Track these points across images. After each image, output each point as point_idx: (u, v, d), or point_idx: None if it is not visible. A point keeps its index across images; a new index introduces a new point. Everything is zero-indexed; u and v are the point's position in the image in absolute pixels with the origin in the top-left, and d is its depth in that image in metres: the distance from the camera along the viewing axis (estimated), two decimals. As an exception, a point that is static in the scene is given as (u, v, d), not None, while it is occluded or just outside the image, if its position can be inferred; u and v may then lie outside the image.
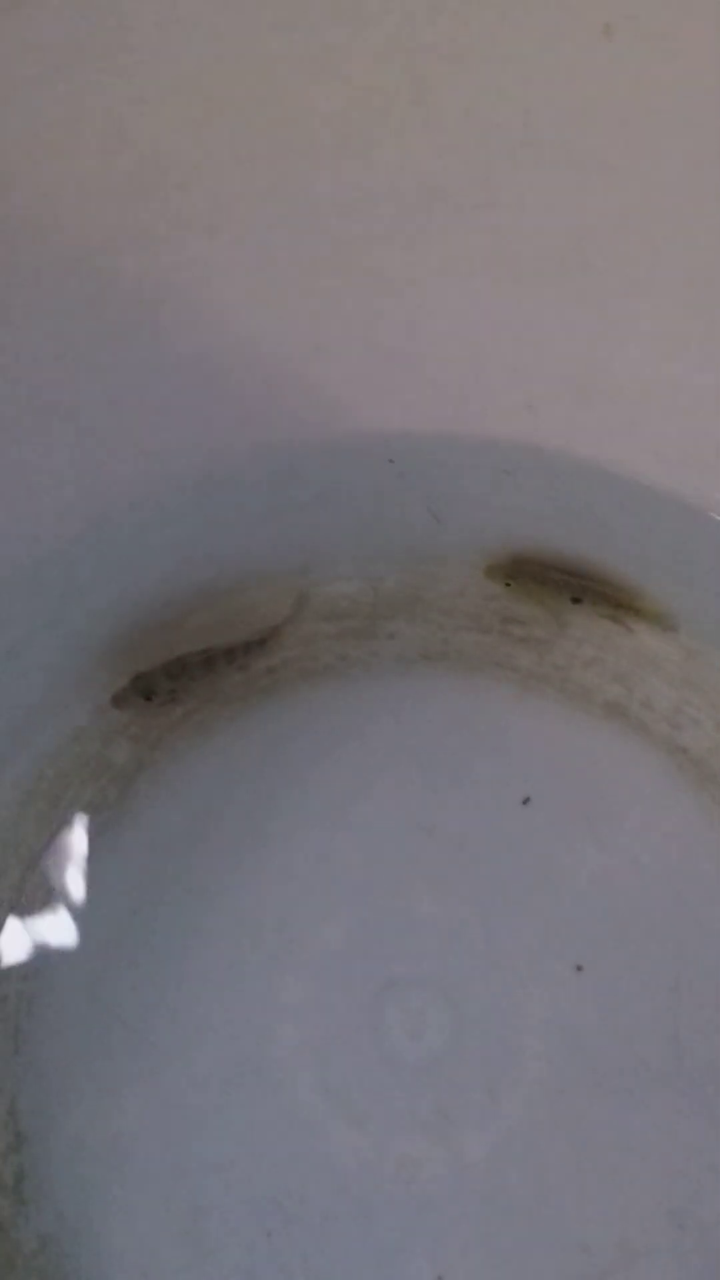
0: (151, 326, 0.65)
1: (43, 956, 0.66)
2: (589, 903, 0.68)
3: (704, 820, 0.69)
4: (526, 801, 0.69)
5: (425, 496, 0.73)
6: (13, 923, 0.67)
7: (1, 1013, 0.65)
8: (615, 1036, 0.65)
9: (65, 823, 0.69)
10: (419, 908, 0.68)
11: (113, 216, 0.61)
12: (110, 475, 0.68)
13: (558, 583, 0.71)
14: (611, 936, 0.67)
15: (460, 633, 0.73)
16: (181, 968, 0.66)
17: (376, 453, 0.71)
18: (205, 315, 0.65)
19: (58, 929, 0.67)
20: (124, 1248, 0.61)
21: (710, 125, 0.57)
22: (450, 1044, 0.65)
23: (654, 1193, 0.62)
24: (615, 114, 0.58)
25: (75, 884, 0.68)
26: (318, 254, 0.64)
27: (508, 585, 0.72)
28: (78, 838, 0.69)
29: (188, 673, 0.69)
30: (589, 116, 0.58)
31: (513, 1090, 0.64)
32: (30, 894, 0.67)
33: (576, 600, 0.71)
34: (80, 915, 0.67)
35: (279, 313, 0.66)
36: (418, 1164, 0.63)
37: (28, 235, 0.60)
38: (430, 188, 0.62)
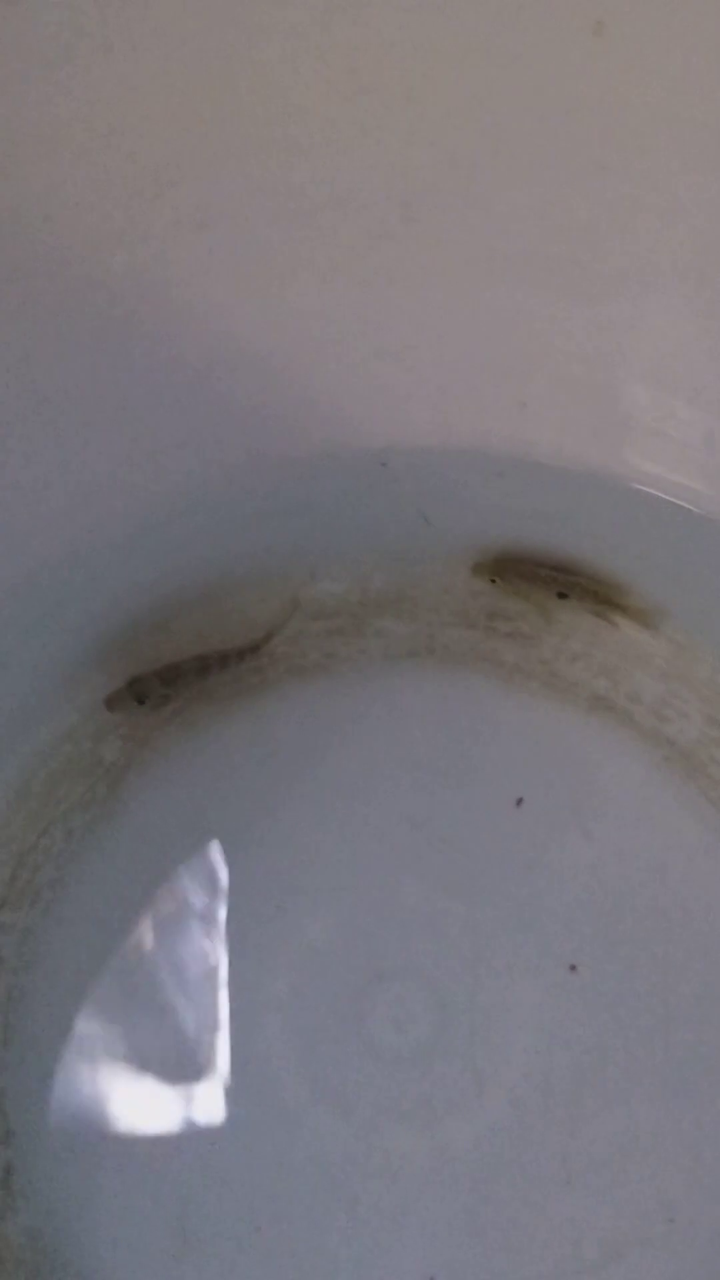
0: (142, 327, 0.65)
1: (32, 951, 0.66)
2: (576, 895, 0.68)
3: (692, 812, 0.69)
4: (520, 803, 0.70)
5: (416, 498, 0.73)
6: (3, 919, 0.66)
7: (-9, 1007, 0.65)
8: (603, 1029, 0.65)
9: (56, 820, 0.69)
10: (406, 901, 0.68)
11: (103, 214, 0.61)
12: (102, 479, 0.68)
13: (544, 579, 0.72)
14: (599, 929, 0.67)
15: (447, 629, 0.74)
16: (169, 962, 0.66)
17: (369, 455, 0.71)
18: (196, 315, 0.65)
19: (48, 925, 0.67)
20: (112, 1241, 0.61)
21: (702, 122, 0.57)
22: (436, 1037, 0.65)
23: (644, 1186, 0.62)
24: (607, 111, 0.58)
25: (65, 881, 0.68)
26: (309, 252, 0.65)
27: (493, 582, 0.72)
28: (68, 835, 0.69)
29: (182, 679, 0.69)
30: (581, 114, 0.58)
31: (499, 1083, 0.64)
32: (21, 890, 0.67)
33: (563, 596, 0.71)
34: (70, 911, 0.68)
35: (270, 311, 0.66)
36: (404, 1156, 0.63)
37: (16, 233, 0.60)
38: (421, 186, 0.62)
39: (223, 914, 0.68)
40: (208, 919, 0.68)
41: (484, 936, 0.67)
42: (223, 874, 0.69)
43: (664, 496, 0.70)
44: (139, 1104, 0.64)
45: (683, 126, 0.57)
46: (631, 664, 0.72)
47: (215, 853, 0.69)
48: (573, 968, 0.66)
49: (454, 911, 0.67)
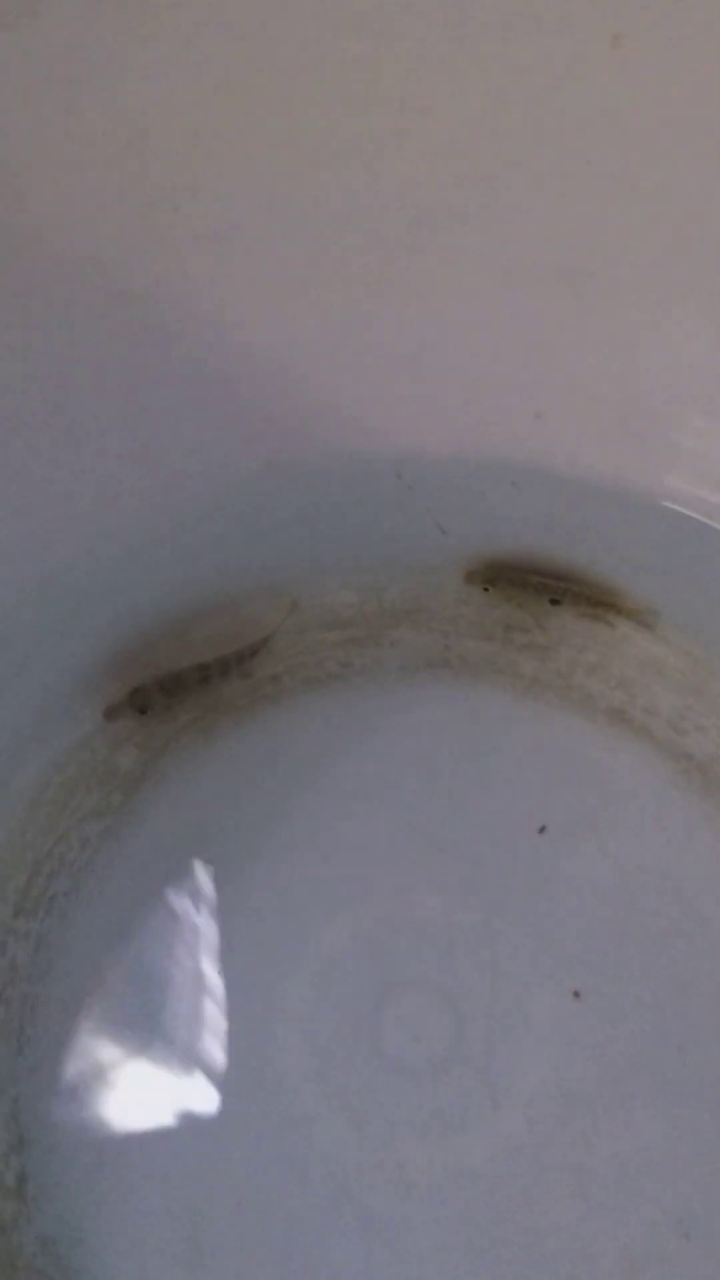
0: (159, 339, 0.65)
1: (46, 960, 0.66)
2: (591, 907, 0.68)
3: (708, 825, 0.69)
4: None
5: (432, 508, 0.73)
6: (18, 927, 0.67)
7: (5, 1015, 0.65)
8: (619, 1043, 0.65)
9: (71, 828, 0.69)
10: (421, 912, 0.68)
11: (121, 226, 0.61)
12: (118, 489, 0.69)
13: (536, 586, 0.72)
14: (613, 942, 0.67)
15: (463, 640, 0.74)
16: (184, 972, 0.66)
17: (384, 465, 0.71)
18: (213, 327, 0.65)
19: (62, 933, 0.67)
20: (124, 1250, 0.61)
21: (717, 135, 0.57)
22: (451, 1049, 0.65)
23: (659, 1201, 0.62)
24: (623, 123, 0.58)
25: (80, 889, 0.68)
26: (326, 264, 0.65)
27: (486, 590, 0.72)
28: (83, 843, 0.69)
29: (184, 688, 0.69)
30: (597, 126, 0.58)
31: (515, 1096, 0.64)
32: (36, 898, 0.67)
33: (555, 602, 0.72)
34: (85, 920, 0.68)
35: (287, 323, 0.66)
36: (418, 1169, 0.62)
37: (36, 246, 0.60)
38: (438, 198, 0.63)
39: (237, 924, 0.68)
40: (222, 929, 0.67)
41: (499, 949, 0.67)
42: (237, 884, 0.68)
43: (678, 508, 0.69)
44: (152, 1113, 0.64)
45: (699, 138, 0.57)
46: (649, 677, 0.72)
47: (230, 863, 0.69)
48: (586, 981, 0.66)
49: (469, 923, 0.67)
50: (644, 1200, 0.62)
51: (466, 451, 0.71)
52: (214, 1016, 0.66)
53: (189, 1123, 0.63)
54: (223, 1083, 0.64)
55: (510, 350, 0.68)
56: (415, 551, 0.74)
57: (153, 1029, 0.65)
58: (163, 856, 0.69)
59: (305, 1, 0.57)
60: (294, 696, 0.73)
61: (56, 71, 0.57)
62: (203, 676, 0.70)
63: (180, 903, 0.68)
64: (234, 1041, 0.65)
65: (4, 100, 0.57)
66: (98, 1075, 0.64)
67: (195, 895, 0.68)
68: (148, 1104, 0.64)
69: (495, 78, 0.57)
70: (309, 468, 0.71)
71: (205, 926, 0.68)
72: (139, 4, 0.56)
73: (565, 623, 0.73)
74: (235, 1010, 0.66)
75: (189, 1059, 0.65)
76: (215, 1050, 0.65)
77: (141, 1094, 0.64)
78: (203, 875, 0.69)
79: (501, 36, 0.56)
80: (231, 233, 0.63)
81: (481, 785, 0.71)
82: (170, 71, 0.58)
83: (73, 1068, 0.64)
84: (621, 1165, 0.63)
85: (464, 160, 0.61)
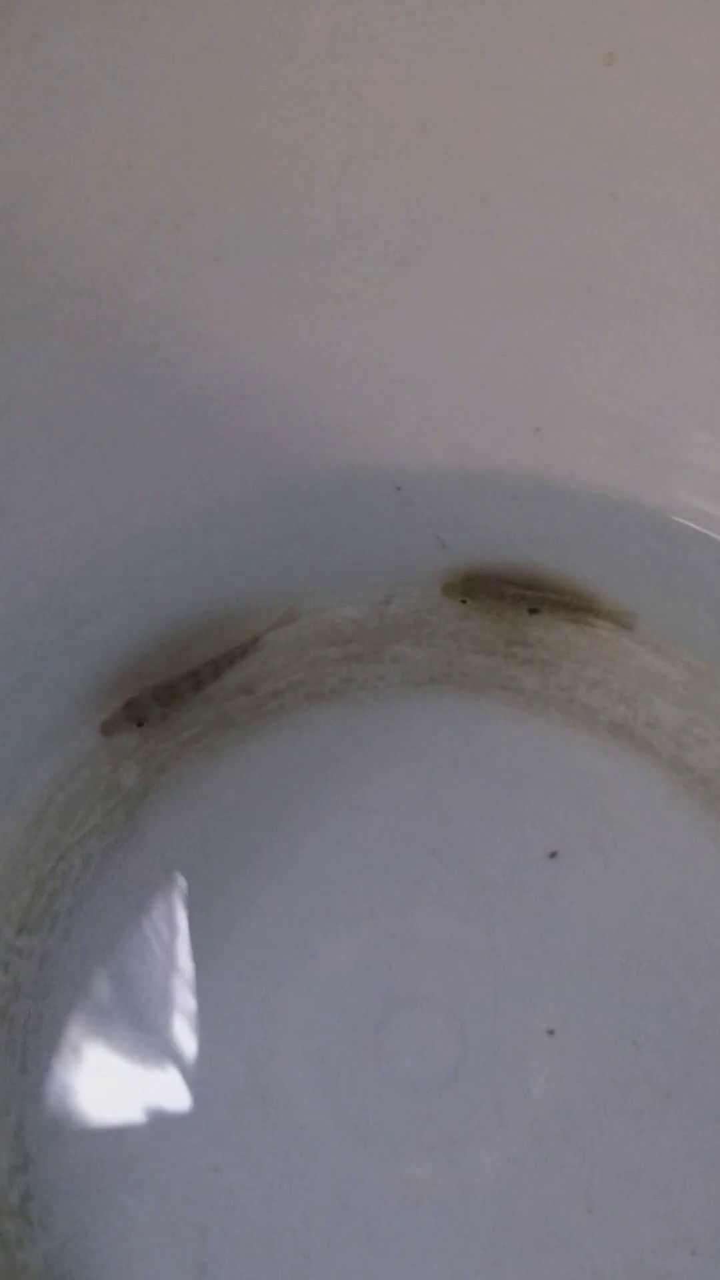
0: (159, 356, 0.65)
1: (50, 978, 0.66)
2: (595, 922, 0.67)
3: (712, 840, 0.69)
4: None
5: (432, 523, 0.73)
6: (21, 944, 0.67)
7: (9, 1033, 0.65)
8: (624, 1057, 0.65)
9: (74, 846, 0.69)
10: (425, 929, 0.67)
11: (120, 247, 0.61)
12: (117, 508, 0.69)
13: (514, 596, 0.72)
14: (618, 956, 0.67)
15: (465, 655, 0.74)
16: (188, 989, 0.66)
17: (384, 480, 0.72)
18: (212, 344, 0.66)
19: (66, 951, 0.67)
20: (129, 1270, 0.61)
21: (711, 151, 0.57)
22: (456, 1065, 0.64)
23: (666, 1216, 0.62)
24: (617, 141, 0.58)
25: (83, 906, 0.68)
26: (324, 282, 0.65)
27: (464, 601, 0.72)
28: (86, 861, 0.69)
29: (178, 697, 0.70)
30: (592, 143, 0.59)
31: (520, 1111, 0.64)
32: (39, 916, 0.67)
33: (534, 611, 0.72)
34: (88, 938, 0.68)
35: (286, 341, 0.67)
36: (424, 1186, 0.62)
37: (34, 265, 0.60)
38: (435, 215, 0.63)
39: (241, 941, 0.68)
40: (225, 945, 0.67)
41: (503, 964, 0.67)
42: (240, 901, 0.68)
43: (679, 520, 0.70)
44: (157, 1132, 0.64)
45: (693, 154, 0.58)
46: (650, 691, 0.72)
47: (233, 879, 0.69)
48: (591, 997, 0.66)
49: (472, 939, 0.67)
50: (650, 1216, 0.62)
51: (467, 466, 0.71)
52: (218, 1033, 0.66)
53: (194, 1141, 0.63)
54: (228, 1100, 0.64)
55: (509, 366, 0.68)
56: (416, 566, 0.74)
57: (156, 1046, 0.65)
58: (165, 873, 0.69)
59: (303, 22, 0.57)
60: (296, 712, 0.73)
61: (55, 93, 0.57)
62: (195, 682, 0.71)
63: (183, 919, 0.68)
64: (238, 1058, 0.65)
65: (1, 120, 0.57)
66: (102, 1093, 0.64)
67: (198, 911, 0.68)
68: (152, 1122, 0.64)
69: (491, 96, 0.58)
70: (308, 484, 0.72)
71: (208, 943, 0.68)
72: (137, 26, 0.56)
73: (565, 636, 0.73)
74: (239, 1027, 0.66)
75: (193, 1076, 0.65)
76: (220, 1067, 0.65)
77: (146, 1112, 0.64)
78: (205, 891, 0.69)
79: (497, 54, 0.56)
80: (230, 254, 0.63)
81: (483, 799, 0.71)
82: (167, 94, 0.58)
83: (77, 1086, 0.64)
84: (627, 1181, 0.62)
85: (460, 178, 0.61)
